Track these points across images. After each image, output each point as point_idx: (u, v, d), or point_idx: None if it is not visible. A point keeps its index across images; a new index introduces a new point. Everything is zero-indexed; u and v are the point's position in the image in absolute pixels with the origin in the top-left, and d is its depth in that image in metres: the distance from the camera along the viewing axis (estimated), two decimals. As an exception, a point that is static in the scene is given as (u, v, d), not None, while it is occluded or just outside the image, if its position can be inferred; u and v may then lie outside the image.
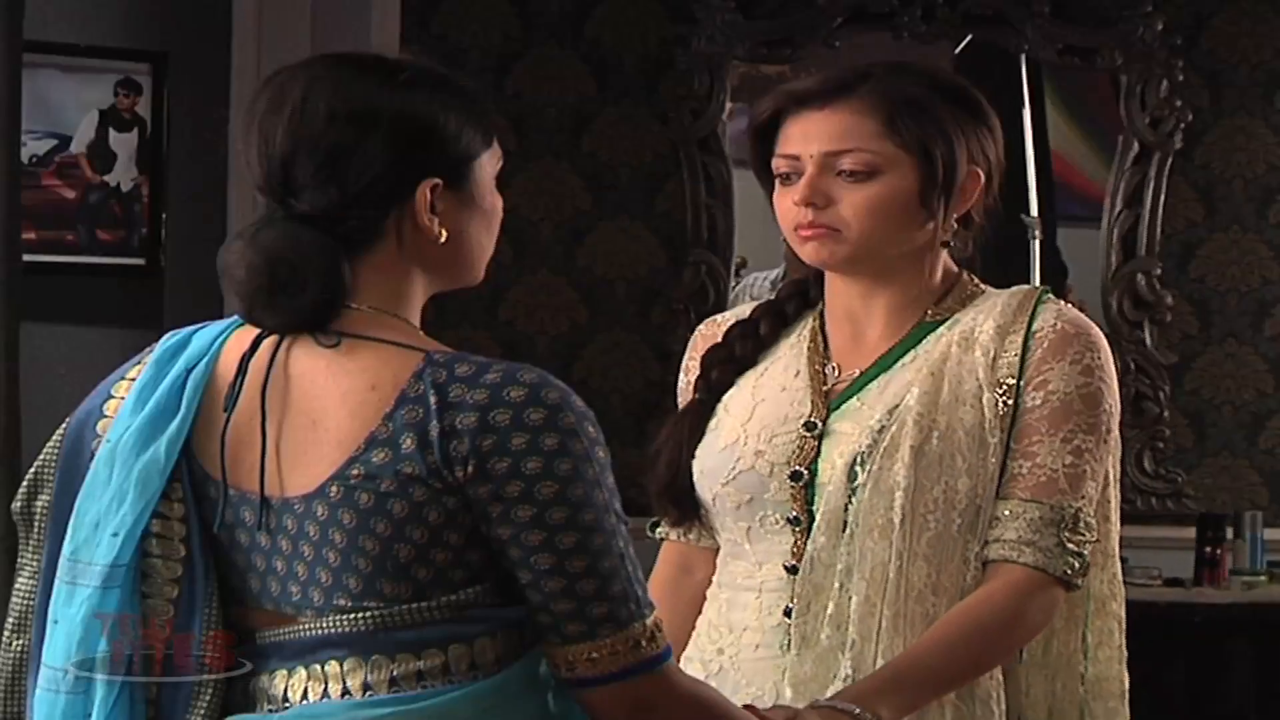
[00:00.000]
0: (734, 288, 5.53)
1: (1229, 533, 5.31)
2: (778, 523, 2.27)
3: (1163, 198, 5.48)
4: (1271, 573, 5.30)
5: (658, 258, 5.50)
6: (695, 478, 2.33)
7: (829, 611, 2.20)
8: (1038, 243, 5.48)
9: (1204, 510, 5.40)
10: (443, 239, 1.85)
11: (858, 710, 2.07)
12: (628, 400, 5.42)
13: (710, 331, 2.44)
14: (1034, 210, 5.47)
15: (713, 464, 2.31)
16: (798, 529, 2.26)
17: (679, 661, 2.32)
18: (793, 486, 2.26)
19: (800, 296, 2.41)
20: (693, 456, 2.33)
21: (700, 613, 2.38)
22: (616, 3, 5.46)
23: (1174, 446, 5.50)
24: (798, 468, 2.26)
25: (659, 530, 2.45)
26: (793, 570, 2.25)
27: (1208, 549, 5.26)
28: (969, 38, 5.46)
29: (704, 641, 2.34)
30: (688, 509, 2.35)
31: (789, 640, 2.23)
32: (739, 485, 2.29)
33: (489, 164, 1.90)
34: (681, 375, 2.45)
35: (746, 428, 2.31)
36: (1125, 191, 5.50)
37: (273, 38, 4.88)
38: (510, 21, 5.45)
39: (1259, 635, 5.13)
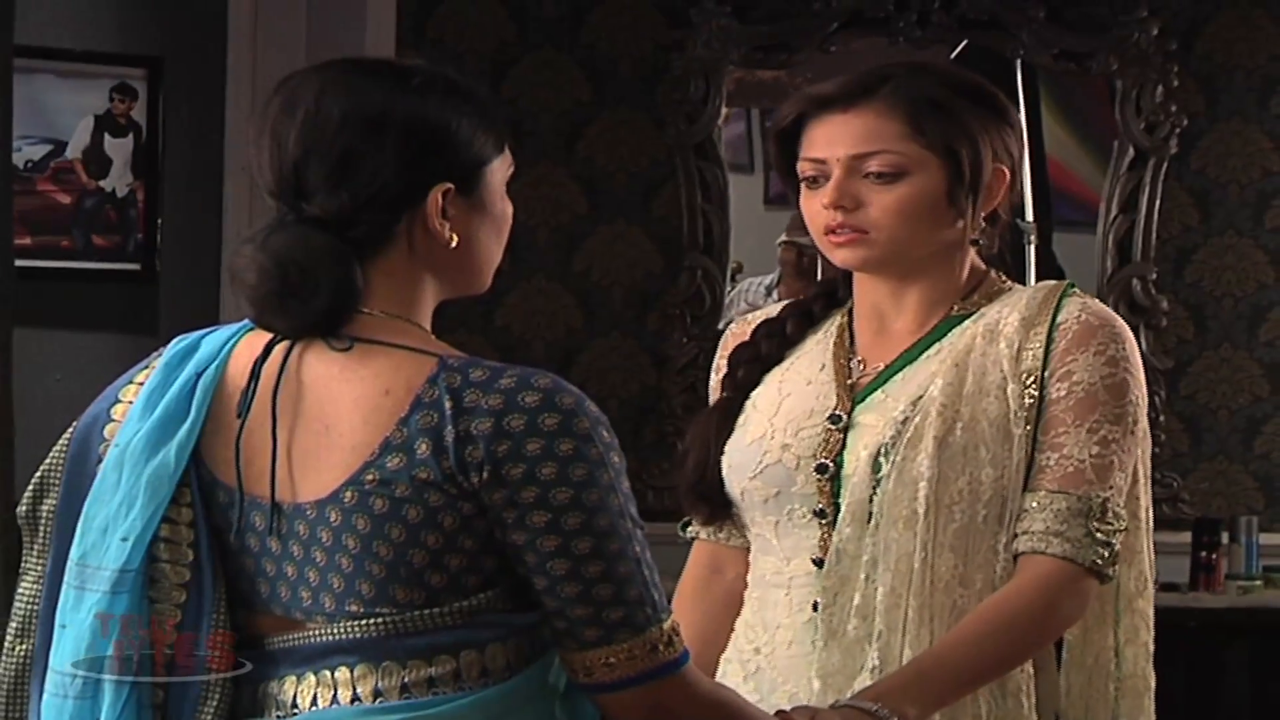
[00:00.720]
0: (730, 293, 5.53)
1: (1225, 538, 5.31)
2: (805, 516, 2.28)
3: (1158, 203, 5.49)
4: (1267, 577, 5.30)
5: (654, 263, 5.50)
6: (724, 473, 2.34)
7: (855, 603, 2.21)
8: (1033, 248, 5.48)
9: (1199, 515, 5.40)
10: (453, 244, 1.85)
11: (875, 708, 2.07)
12: (624, 405, 5.42)
13: (740, 330, 2.46)
14: (1029, 215, 5.46)
15: (740, 459, 2.32)
16: (824, 522, 2.27)
17: (719, 664, 2.34)
18: (819, 479, 2.27)
19: (828, 296, 2.43)
20: (721, 453, 2.34)
21: (732, 612, 2.38)
22: (612, 8, 5.46)
23: (1170, 451, 5.50)
24: (823, 460, 2.27)
25: (690, 530, 2.46)
26: (820, 564, 2.26)
27: (1203, 554, 5.25)
28: (964, 43, 5.46)
29: (742, 642, 2.35)
30: (717, 506, 2.37)
31: (819, 634, 2.24)
32: (766, 479, 2.30)
33: (500, 170, 1.90)
34: (713, 374, 2.46)
35: (773, 422, 2.32)
36: (1120, 196, 5.50)
37: (268, 42, 4.88)
38: (505, 26, 5.45)
39: (1255, 640, 5.13)
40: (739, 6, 5.42)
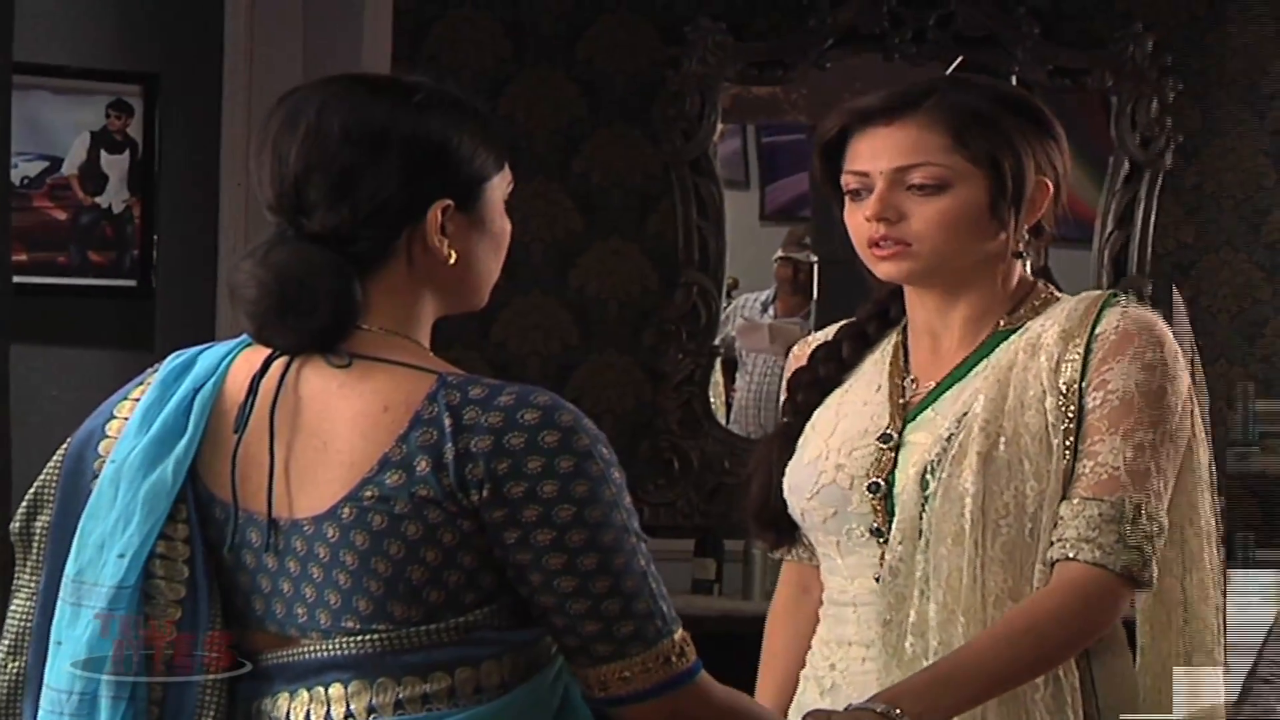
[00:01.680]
0: (725, 309, 5.53)
1: (1222, 554, 5.29)
2: (863, 535, 2.30)
3: (1153, 217, 5.50)
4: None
5: (649, 279, 5.50)
6: (785, 495, 2.37)
7: (911, 620, 2.22)
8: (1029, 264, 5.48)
9: (1196, 530, 5.39)
10: (452, 260, 1.85)
11: (883, 708, 2.07)
12: (619, 421, 5.41)
13: (801, 353, 2.48)
14: (1025, 231, 5.46)
15: (798, 479, 2.35)
16: (881, 540, 2.28)
17: (799, 681, 2.38)
18: (872, 498, 2.29)
19: (880, 316, 2.44)
20: (783, 476, 2.37)
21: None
22: (608, 24, 5.46)
23: (1166, 467, 5.49)
24: (875, 479, 2.29)
25: (775, 552, 2.49)
26: (880, 581, 2.27)
27: (1200, 569, 5.25)
28: (960, 59, 5.47)
29: (817, 659, 2.37)
30: (783, 530, 2.40)
31: (884, 652, 2.25)
32: (823, 499, 2.32)
33: (500, 187, 1.90)
34: (781, 396, 2.49)
35: (829, 442, 2.34)
36: (1116, 211, 5.51)
37: (264, 59, 4.88)
38: (501, 43, 5.45)
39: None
40: (734, 23, 5.43)
